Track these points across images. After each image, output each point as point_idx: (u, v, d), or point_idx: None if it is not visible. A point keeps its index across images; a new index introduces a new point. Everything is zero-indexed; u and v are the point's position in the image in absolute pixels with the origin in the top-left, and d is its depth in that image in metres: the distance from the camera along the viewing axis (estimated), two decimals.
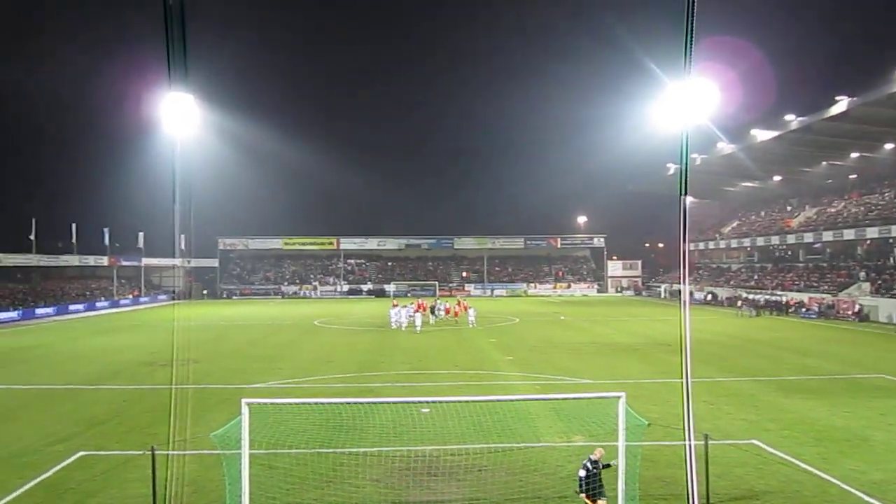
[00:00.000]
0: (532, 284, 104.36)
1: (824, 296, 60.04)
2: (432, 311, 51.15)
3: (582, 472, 12.11)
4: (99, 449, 17.08)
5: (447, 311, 52.58)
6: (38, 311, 62.50)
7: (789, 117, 59.71)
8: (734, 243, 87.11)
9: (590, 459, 12.17)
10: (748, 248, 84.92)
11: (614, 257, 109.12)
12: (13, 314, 58.57)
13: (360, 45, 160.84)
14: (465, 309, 49.89)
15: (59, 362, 32.45)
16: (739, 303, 62.95)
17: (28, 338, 43.72)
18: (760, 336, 41.92)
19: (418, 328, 43.89)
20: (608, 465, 12.13)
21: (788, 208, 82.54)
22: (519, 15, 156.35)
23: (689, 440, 11.16)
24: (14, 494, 13.85)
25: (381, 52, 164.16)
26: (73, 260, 78.44)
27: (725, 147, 71.16)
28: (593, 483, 12.00)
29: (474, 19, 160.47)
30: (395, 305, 50.37)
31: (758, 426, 18.92)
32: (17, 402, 23.11)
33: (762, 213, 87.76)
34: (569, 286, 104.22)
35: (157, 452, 12.47)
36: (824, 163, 71.71)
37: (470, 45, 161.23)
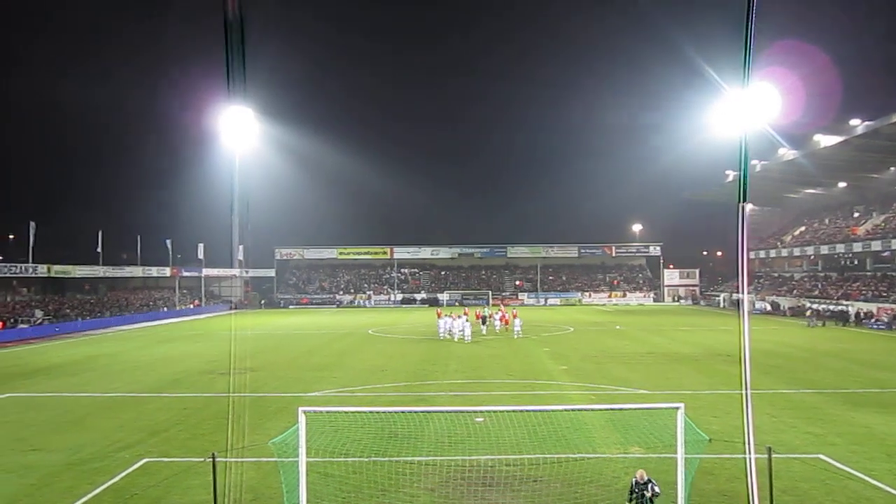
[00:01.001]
0: (586, 293, 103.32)
1: (893, 306, 57.76)
2: (483, 322, 50.24)
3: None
4: (162, 456, 17.48)
5: (503, 320, 51.77)
6: (105, 321, 64.60)
7: (855, 122, 57.80)
8: (796, 251, 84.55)
9: (635, 481, 11.91)
10: (811, 257, 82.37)
11: (671, 266, 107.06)
12: (82, 324, 60.67)
13: (414, 55, 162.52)
14: (514, 317, 49.25)
15: (124, 371, 33.37)
16: (808, 312, 61.10)
17: (94, 347, 45.18)
18: (826, 347, 40.53)
19: (468, 338, 43.51)
20: (656, 494, 11.76)
21: (855, 215, 79.77)
22: (575, 22, 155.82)
23: (750, 453, 10.85)
24: (84, 499, 14.29)
25: (435, 61, 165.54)
26: (136, 271, 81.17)
27: (787, 153, 69.30)
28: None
29: (530, 26, 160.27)
30: (439, 315, 50.25)
31: (824, 440, 18.25)
32: (84, 409, 23.80)
33: (826, 221, 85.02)
34: (624, 295, 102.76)
35: (217, 459, 12.67)
36: (892, 168, 69.10)
37: (525, 53, 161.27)
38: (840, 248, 74.70)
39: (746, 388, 10.95)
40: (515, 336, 45.92)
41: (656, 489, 11.73)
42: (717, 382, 27.46)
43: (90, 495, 14.48)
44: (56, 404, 24.84)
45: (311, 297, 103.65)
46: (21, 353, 42.27)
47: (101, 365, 35.88)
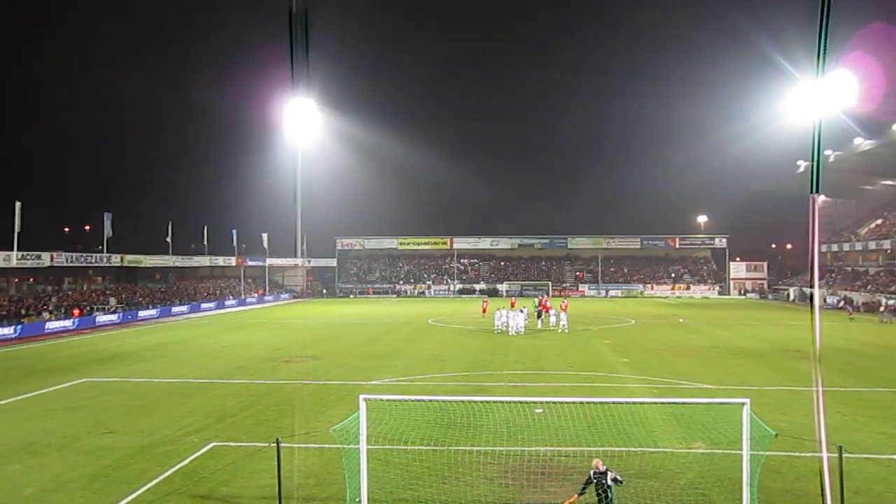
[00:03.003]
0: (649, 285, 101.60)
1: None
2: (538, 316, 47.99)
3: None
4: (229, 440, 17.94)
5: (545, 308, 48.80)
6: (174, 309, 66.74)
7: None
8: (872, 245, 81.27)
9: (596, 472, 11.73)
10: (888, 251, 79.04)
11: (737, 259, 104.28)
12: (153, 312, 62.83)
13: (476, 45, 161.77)
14: (563, 310, 46.79)
15: (193, 357, 34.36)
16: (882, 308, 58.73)
17: (165, 334, 46.71)
18: None
19: (521, 330, 42.00)
20: (618, 482, 11.61)
21: None
22: (642, 11, 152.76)
23: (823, 451, 10.51)
24: (156, 480, 14.82)
25: (498, 52, 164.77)
26: (204, 261, 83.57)
27: (864, 143, 66.63)
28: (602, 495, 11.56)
29: (596, 16, 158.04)
30: (484, 311, 48.64)
31: None
32: (157, 394, 24.64)
33: None
34: (688, 288, 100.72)
35: (282, 445, 12.94)
36: None
37: (592, 43, 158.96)
38: None
39: (819, 384, 10.58)
40: (560, 331, 43.97)
41: (617, 477, 11.60)
42: (785, 379, 26.68)
43: (161, 477, 15.00)
44: (129, 389, 25.79)
45: (371, 286, 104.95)
46: (96, 340, 44.03)
47: (171, 351, 37.06)
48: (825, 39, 9.26)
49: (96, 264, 65.59)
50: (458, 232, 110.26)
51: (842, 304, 71.02)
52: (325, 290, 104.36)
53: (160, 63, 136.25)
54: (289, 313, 66.97)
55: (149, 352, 37.01)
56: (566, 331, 44.01)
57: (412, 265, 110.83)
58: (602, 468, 11.70)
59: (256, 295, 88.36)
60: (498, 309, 47.45)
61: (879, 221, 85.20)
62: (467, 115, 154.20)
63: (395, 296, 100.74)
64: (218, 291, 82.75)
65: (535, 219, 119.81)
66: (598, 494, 11.56)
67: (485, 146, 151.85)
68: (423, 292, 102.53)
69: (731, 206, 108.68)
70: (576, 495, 12.07)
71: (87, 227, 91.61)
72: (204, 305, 72.45)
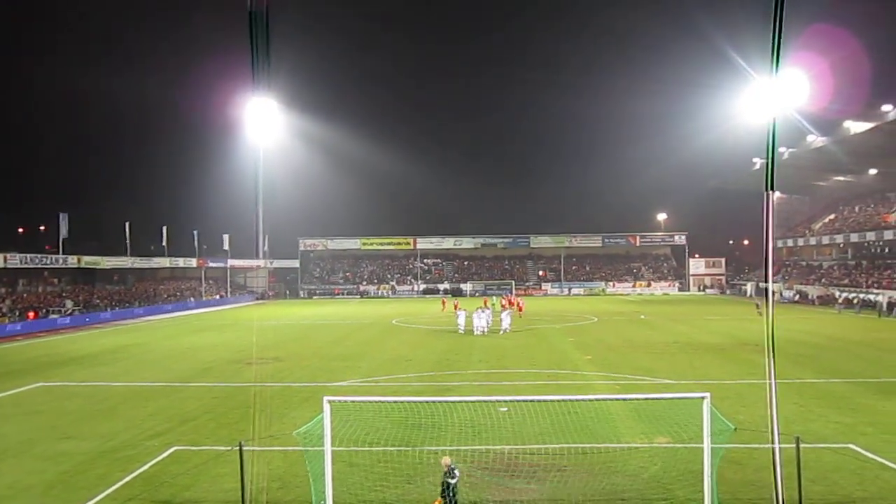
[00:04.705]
0: (611, 283, 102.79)
1: None
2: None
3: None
4: (191, 444, 17.70)
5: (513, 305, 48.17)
6: (134, 311, 65.56)
7: (887, 107, 56.75)
8: (825, 240, 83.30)
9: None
10: (841, 245, 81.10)
11: (696, 255, 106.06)
12: (111, 314, 61.63)
13: (438, 45, 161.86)
14: (515, 306, 44.99)
15: (153, 361, 33.78)
16: (841, 299, 60.31)
17: (124, 337, 45.84)
18: (855, 336, 39.90)
19: (485, 330, 41.33)
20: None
21: (890, 200, 78.27)
22: (599, 11, 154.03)
23: (775, 443, 10.77)
24: (116, 486, 14.55)
25: (458, 50, 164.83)
26: (164, 262, 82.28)
27: (816, 140, 68.20)
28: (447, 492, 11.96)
29: (555, 15, 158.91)
30: (456, 307, 48.52)
31: (854, 430, 18.00)
32: (116, 398, 24.19)
33: (856, 209, 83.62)
34: (649, 285, 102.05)
35: (245, 448, 12.80)
36: None
37: (549, 41, 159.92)
38: (871, 235, 73.48)
39: (772, 377, 10.82)
40: (502, 332, 41.96)
41: (455, 471, 12.02)
42: (743, 372, 27.12)
43: (122, 482, 14.75)
44: (88, 393, 25.28)
45: (334, 287, 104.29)
46: (53, 343, 43.03)
47: (131, 355, 36.40)
48: (779, 39, 9.45)
49: (52, 265, 64.10)
50: (422, 232, 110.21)
51: (797, 297, 72.71)
52: (288, 291, 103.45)
53: (118, 61, 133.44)
54: (251, 315, 66.23)
55: (108, 355, 36.29)
56: (508, 331, 42.38)
57: (376, 265, 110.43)
58: (449, 465, 11.99)
59: (218, 297, 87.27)
60: (461, 308, 46.60)
61: (832, 216, 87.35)
62: (429, 114, 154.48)
63: (358, 297, 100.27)
64: (179, 293, 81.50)
65: (498, 218, 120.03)
66: (445, 493, 11.87)
67: (446, 145, 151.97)
68: (386, 293, 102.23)
69: (690, 203, 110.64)
70: (440, 499, 12.12)
71: (42, 228, 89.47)
72: (164, 307, 71.30)
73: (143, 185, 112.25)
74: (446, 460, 12.14)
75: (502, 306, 49.30)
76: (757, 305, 58.46)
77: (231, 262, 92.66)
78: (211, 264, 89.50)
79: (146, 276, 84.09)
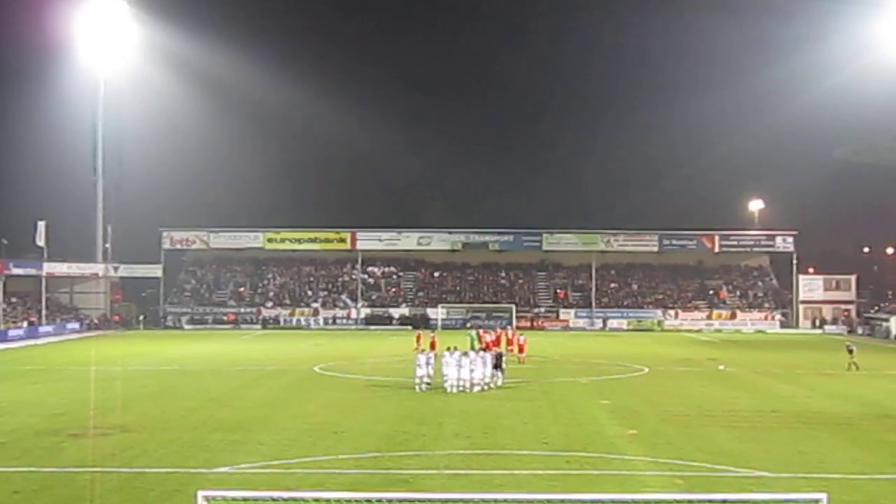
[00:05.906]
0: (671, 312, 77.82)
1: None
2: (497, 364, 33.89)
3: None
4: None
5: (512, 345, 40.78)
6: None
7: None
8: None
9: None
10: None
11: (810, 269, 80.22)
12: None
13: None
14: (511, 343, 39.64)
15: None
16: None
17: None
18: None
19: (461, 384, 30.91)
20: None
21: None
22: None
23: None
24: None
25: None
26: None
27: None
28: None
29: None
30: (419, 350, 37.08)
31: None
32: None
33: None
34: (733, 315, 77.58)
35: None
36: None
37: None
38: None
39: None
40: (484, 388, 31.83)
41: None
42: (881, 462, 21.28)
43: None
44: None
45: (219, 311, 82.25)
46: None
47: None
48: None
49: None
50: (366, 222, 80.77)
51: None
52: (143, 317, 78.36)
53: None
54: (80, 356, 50.69)
55: None
56: (494, 386, 32.64)
57: (288, 275, 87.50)
58: None
59: (24, 325, 65.89)
60: (422, 351, 36.23)
61: None
62: (379, 39, 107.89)
63: (259, 326, 79.31)
64: None
65: (490, 204, 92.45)
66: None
67: (407, 82, 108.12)
68: (305, 320, 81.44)
69: (800, 186, 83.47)
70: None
71: None
72: None
73: None
74: None
75: (482, 345, 38.38)
76: (850, 351, 43.53)
77: (49, 268, 69.86)
78: (14, 270, 66.69)
79: None
